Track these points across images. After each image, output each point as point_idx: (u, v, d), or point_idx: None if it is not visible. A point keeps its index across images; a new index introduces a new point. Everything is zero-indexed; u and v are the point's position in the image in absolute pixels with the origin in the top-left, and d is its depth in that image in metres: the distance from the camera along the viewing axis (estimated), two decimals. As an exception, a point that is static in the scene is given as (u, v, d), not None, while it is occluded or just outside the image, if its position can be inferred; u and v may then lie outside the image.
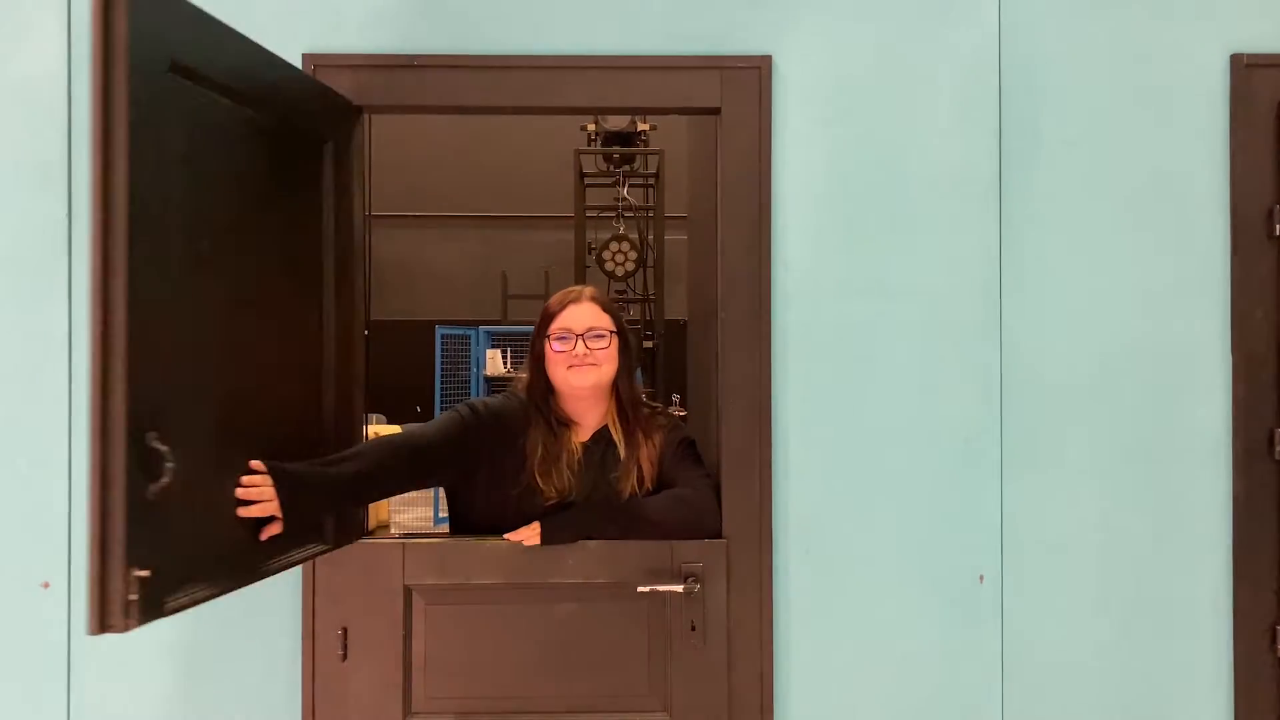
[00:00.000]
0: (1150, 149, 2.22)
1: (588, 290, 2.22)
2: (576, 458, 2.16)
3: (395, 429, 6.73)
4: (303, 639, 2.14)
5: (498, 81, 2.18)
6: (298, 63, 2.16)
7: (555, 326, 2.15)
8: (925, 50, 2.20)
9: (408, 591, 2.14)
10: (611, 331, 2.16)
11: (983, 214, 2.20)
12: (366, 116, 2.22)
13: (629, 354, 2.23)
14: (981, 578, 2.20)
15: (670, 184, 5.51)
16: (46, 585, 2.12)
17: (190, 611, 2.12)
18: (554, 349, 2.14)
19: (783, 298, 2.19)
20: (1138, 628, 2.22)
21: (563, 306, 2.17)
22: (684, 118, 3.25)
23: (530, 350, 2.21)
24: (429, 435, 2.13)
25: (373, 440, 2.13)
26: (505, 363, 7.93)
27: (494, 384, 7.65)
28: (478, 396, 2.22)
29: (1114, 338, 2.22)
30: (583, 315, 2.15)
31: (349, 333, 2.16)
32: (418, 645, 2.14)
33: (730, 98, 2.18)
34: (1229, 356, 2.22)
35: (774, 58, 2.18)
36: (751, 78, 2.18)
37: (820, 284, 2.19)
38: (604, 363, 2.14)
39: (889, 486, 2.19)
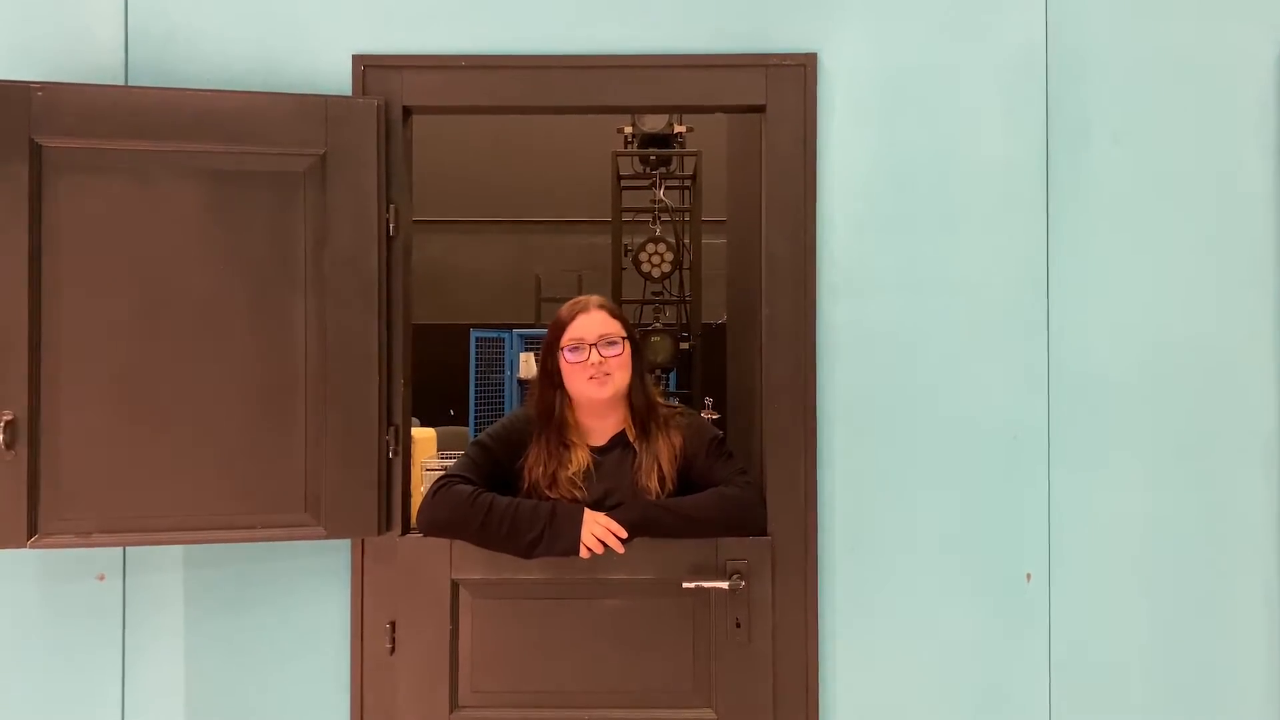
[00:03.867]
0: (1199, 143, 2.20)
1: (595, 299, 2.23)
2: (582, 468, 2.17)
3: (430, 432, 6.77)
4: (351, 632, 2.17)
5: (544, 81, 2.20)
6: (347, 64, 2.19)
7: (567, 337, 2.16)
8: (971, 45, 2.20)
9: (455, 586, 2.15)
10: (623, 338, 2.17)
11: (1030, 209, 2.19)
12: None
13: (640, 359, 2.24)
14: (1029, 576, 2.18)
15: (706, 188, 5.52)
16: (102, 578, 2.17)
17: (241, 602, 2.17)
18: (568, 360, 2.15)
19: (828, 294, 2.19)
20: (1187, 627, 2.19)
21: (573, 316, 2.18)
22: (722, 120, 3.26)
23: (541, 365, 2.22)
24: (478, 478, 2.15)
25: (456, 502, 2.11)
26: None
27: (527, 387, 7.67)
28: (484, 431, 2.24)
29: (1162, 333, 2.20)
30: (594, 323, 2.16)
31: (402, 332, 2.20)
32: (464, 639, 2.16)
33: (775, 95, 2.19)
34: (1279, 352, 2.19)
35: (819, 55, 2.19)
36: (796, 75, 2.18)
37: (865, 280, 2.19)
38: (617, 371, 2.15)
39: (935, 483, 2.18)
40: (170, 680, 2.18)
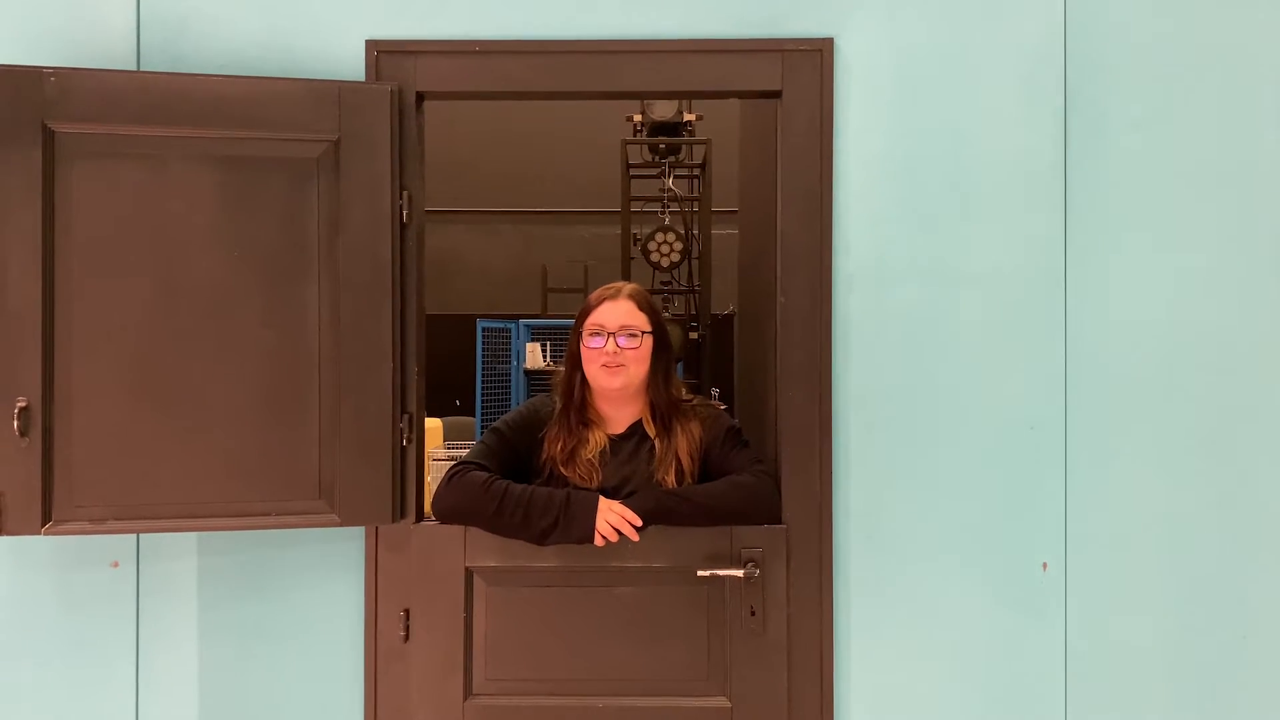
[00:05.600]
0: (1219, 132, 2.18)
1: (628, 287, 2.22)
2: (599, 449, 2.18)
3: (436, 422, 6.75)
4: (365, 620, 2.16)
5: (558, 66, 2.19)
6: (360, 50, 2.18)
7: (590, 322, 2.16)
8: (990, 32, 2.18)
9: (469, 574, 2.15)
10: (645, 331, 2.16)
11: (1047, 197, 2.17)
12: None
13: (667, 354, 2.23)
14: (1045, 565, 2.17)
15: (715, 177, 5.50)
16: (116, 565, 2.17)
17: (254, 590, 2.17)
18: (587, 345, 2.15)
19: (844, 283, 2.17)
20: (1204, 619, 2.18)
21: (600, 302, 2.18)
22: (732, 108, 3.24)
23: (568, 345, 2.23)
24: (494, 465, 2.15)
25: (471, 488, 2.10)
26: (545, 356, 7.96)
27: (533, 377, 7.68)
28: (503, 415, 2.24)
29: (1181, 324, 2.18)
30: (617, 313, 2.15)
31: (416, 319, 2.19)
32: (478, 627, 2.16)
33: (791, 81, 2.17)
34: (1300, 343, 2.17)
35: (836, 40, 2.17)
36: (813, 60, 2.16)
37: (882, 269, 2.17)
38: (632, 364, 2.14)
39: (951, 473, 2.17)
40: (184, 667, 2.18)
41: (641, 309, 2.18)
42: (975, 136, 2.18)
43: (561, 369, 2.26)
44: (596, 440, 2.18)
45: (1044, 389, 2.18)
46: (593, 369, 2.15)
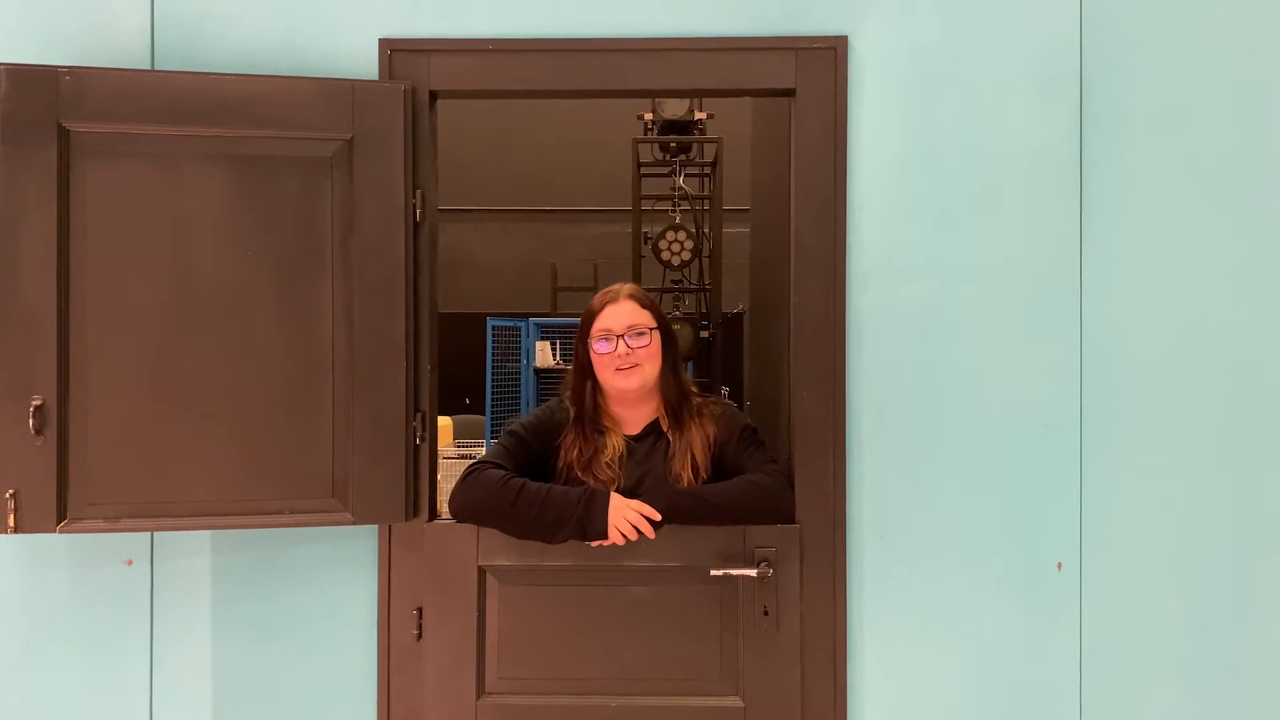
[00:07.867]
0: (1237, 128, 2.17)
1: (626, 288, 2.23)
2: (618, 453, 2.18)
3: (446, 420, 6.75)
4: (378, 618, 2.17)
5: (571, 64, 2.18)
6: (374, 49, 2.18)
7: (596, 328, 2.16)
8: (1005, 29, 2.16)
9: (481, 572, 2.15)
10: (652, 328, 2.16)
11: (1063, 195, 2.16)
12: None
13: (674, 348, 2.23)
14: (1060, 565, 2.16)
15: (726, 175, 5.49)
16: (130, 563, 2.17)
17: (268, 588, 2.17)
18: (597, 351, 2.15)
19: (857, 281, 2.17)
20: (1221, 619, 2.17)
21: (602, 307, 2.18)
22: (743, 107, 3.24)
23: (574, 354, 2.23)
24: (511, 466, 2.14)
25: (487, 485, 2.09)
26: (554, 355, 7.97)
27: (543, 375, 7.69)
28: (517, 418, 2.24)
29: (1198, 320, 2.16)
30: (621, 314, 2.16)
31: (429, 318, 2.19)
32: (491, 625, 2.15)
33: (805, 79, 2.16)
34: (1318, 341, 2.16)
35: (850, 38, 2.16)
36: (827, 58, 2.16)
37: (896, 266, 2.16)
38: (646, 361, 2.15)
39: (966, 472, 2.16)
40: (197, 664, 2.18)
41: (644, 306, 2.18)
42: (990, 134, 2.16)
43: (571, 368, 2.26)
44: (614, 445, 2.18)
45: (1059, 387, 2.16)
46: (606, 374, 2.15)
